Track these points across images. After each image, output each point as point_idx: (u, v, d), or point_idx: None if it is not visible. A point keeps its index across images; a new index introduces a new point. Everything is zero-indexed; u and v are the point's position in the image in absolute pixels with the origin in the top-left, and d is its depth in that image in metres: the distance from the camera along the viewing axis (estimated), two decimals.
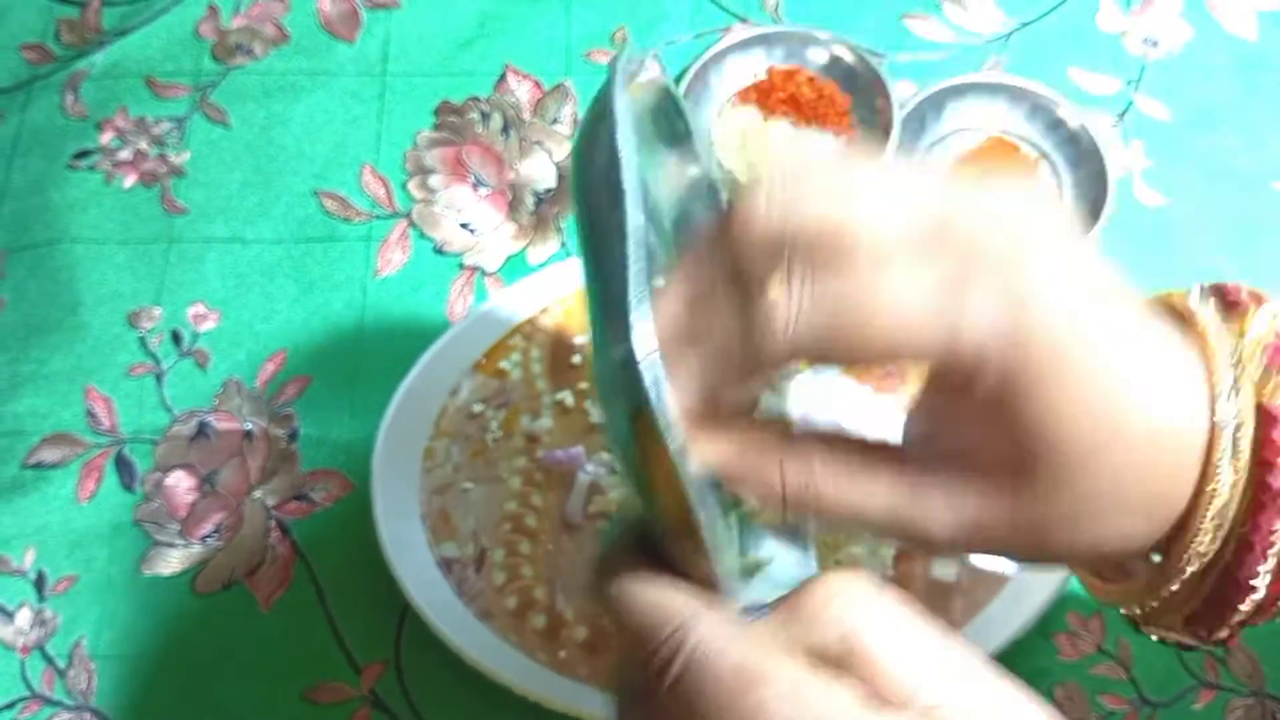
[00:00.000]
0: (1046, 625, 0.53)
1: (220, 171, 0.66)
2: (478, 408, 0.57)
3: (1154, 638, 0.35)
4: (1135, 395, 0.29)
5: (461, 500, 0.55)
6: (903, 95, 0.66)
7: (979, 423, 0.29)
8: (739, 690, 0.26)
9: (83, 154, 0.66)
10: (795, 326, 0.27)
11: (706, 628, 0.27)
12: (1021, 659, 0.53)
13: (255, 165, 0.66)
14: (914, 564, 0.54)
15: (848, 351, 0.28)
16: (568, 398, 0.58)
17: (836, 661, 0.27)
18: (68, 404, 0.59)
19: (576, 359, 0.59)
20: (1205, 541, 0.30)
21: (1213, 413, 0.29)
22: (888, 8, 0.70)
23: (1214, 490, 0.29)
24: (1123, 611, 0.36)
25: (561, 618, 0.53)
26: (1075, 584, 0.52)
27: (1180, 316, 0.32)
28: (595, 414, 0.57)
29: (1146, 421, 0.29)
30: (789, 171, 0.28)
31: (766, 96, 0.66)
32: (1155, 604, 0.33)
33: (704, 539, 0.28)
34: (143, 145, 0.66)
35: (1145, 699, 0.53)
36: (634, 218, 0.28)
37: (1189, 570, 0.31)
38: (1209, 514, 0.30)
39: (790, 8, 0.70)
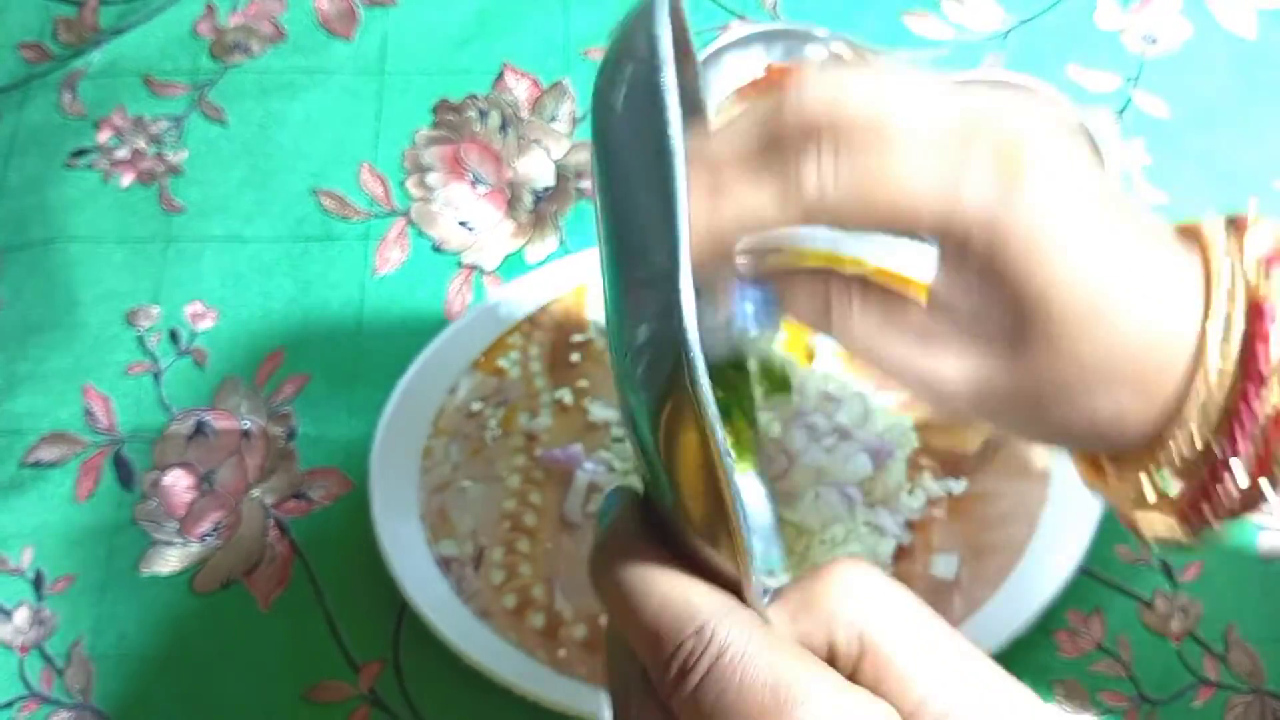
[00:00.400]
0: (1046, 623, 0.53)
1: (218, 170, 0.66)
2: (476, 406, 0.57)
3: (1148, 536, 0.36)
4: (1123, 276, 0.31)
5: (460, 499, 0.55)
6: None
7: (979, 293, 0.32)
8: (773, 708, 0.25)
9: (80, 153, 0.66)
10: (818, 190, 0.30)
11: (736, 629, 0.26)
12: (1021, 657, 0.53)
13: (253, 164, 0.66)
14: (913, 563, 0.54)
15: (860, 216, 0.31)
16: (566, 396, 0.58)
17: (850, 660, 0.26)
18: (65, 403, 0.59)
19: (575, 357, 0.59)
20: (1193, 426, 0.32)
21: (1207, 304, 0.31)
22: (887, 5, 0.70)
23: (1204, 375, 0.31)
24: (1119, 502, 0.37)
25: (560, 616, 0.53)
26: (1074, 582, 0.52)
27: (1193, 236, 0.34)
28: (594, 412, 0.57)
29: (1134, 303, 0.31)
30: (833, 67, 0.30)
31: (765, 94, 0.65)
32: (1150, 494, 0.34)
33: (740, 531, 0.26)
34: (140, 144, 0.66)
35: (1145, 696, 0.53)
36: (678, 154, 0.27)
37: (1178, 456, 0.32)
38: (1198, 400, 0.31)
39: (789, 5, 0.70)
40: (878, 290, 0.35)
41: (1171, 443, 0.32)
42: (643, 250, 0.27)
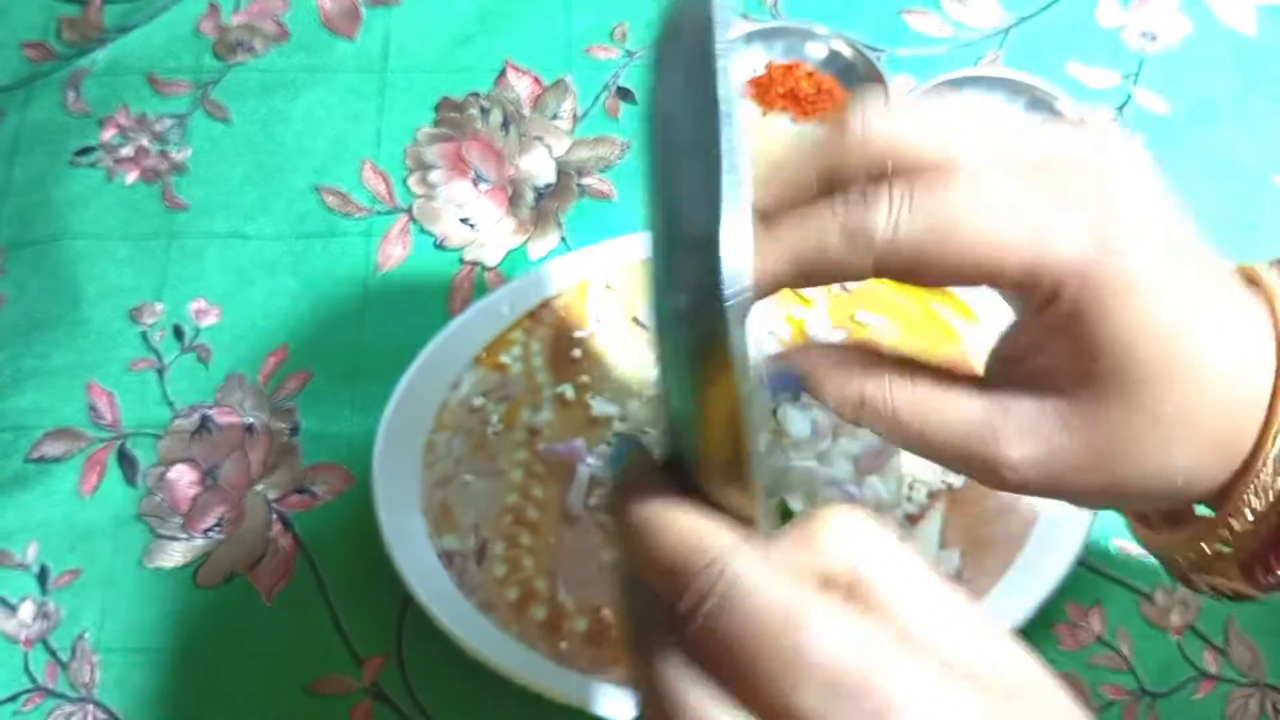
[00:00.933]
0: (1046, 616, 0.53)
1: (221, 168, 0.66)
2: (478, 401, 0.57)
3: (1204, 589, 0.36)
4: (1206, 329, 0.30)
5: (462, 493, 0.55)
6: (901, 89, 0.66)
7: (1059, 342, 0.31)
8: (780, 631, 0.25)
9: (84, 151, 0.66)
10: (892, 232, 0.29)
11: (745, 562, 0.27)
12: None
13: (256, 161, 0.66)
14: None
15: (939, 263, 0.29)
16: (568, 391, 0.58)
17: (841, 589, 0.27)
18: (70, 399, 0.60)
19: (577, 353, 0.59)
20: (1268, 479, 0.31)
21: (1278, 358, 0.31)
22: (886, 2, 0.70)
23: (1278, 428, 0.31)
24: (1178, 559, 0.36)
25: (563, 609, 0.53)
26: (1073, 575, 0.53)
27: (1250, 281, 0.33)
28: (596, 407, 0.57)
29: (1216, 356, 0.30)
30: (895, 97, 0.29)
31: (765, 91, 0.66)
32: (1211, 549, 0.34)
33: (753, 478, 0.27)
34: (144, 142, 0.67)
35: (1145, 689, 0.53)
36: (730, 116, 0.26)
37: (1250, 508, 0.32)
38: (1273, 451, 0.31)
39: (789, 2, 0.70)
40: (921, 365, 0.33)
41: (1245, 494, 0.31)
42: (686, 214, 0.26)
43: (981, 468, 0.33)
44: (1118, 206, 0.29)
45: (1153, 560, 0.55)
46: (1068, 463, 0.32)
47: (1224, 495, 0.32)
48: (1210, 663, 0.53)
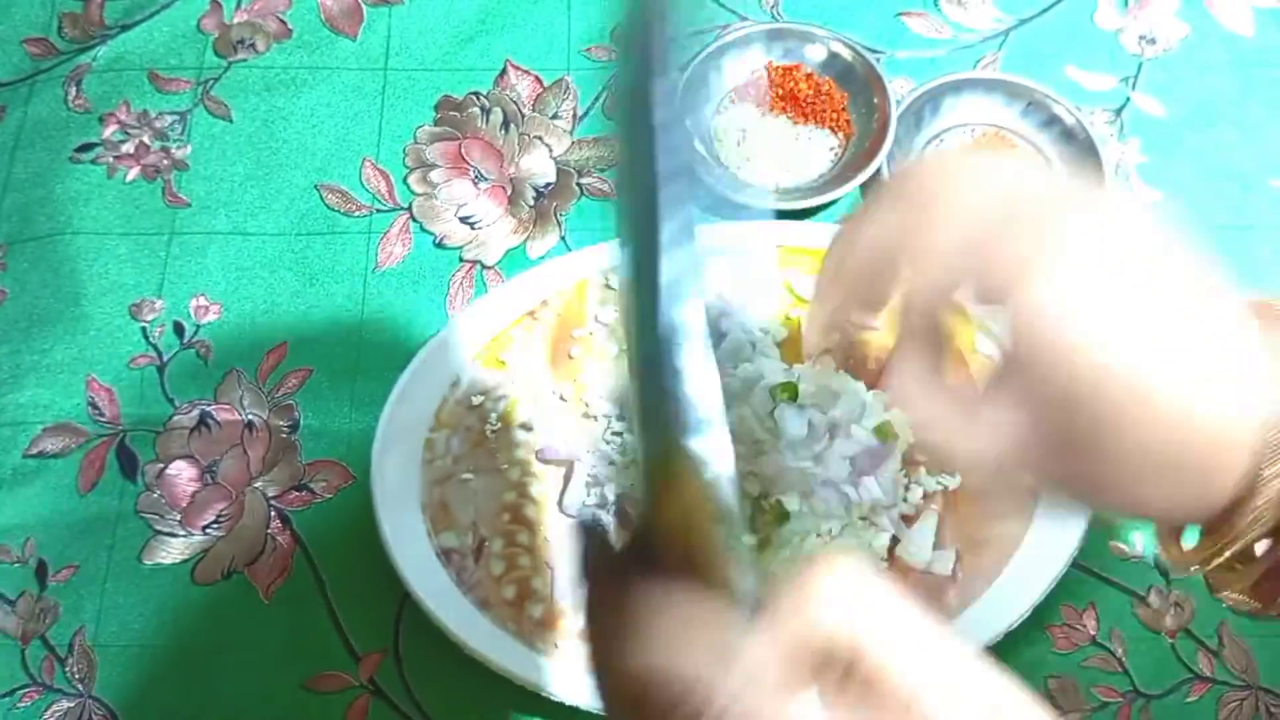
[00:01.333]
0: (1040, 617, 0.53)
1: (222, 165, 0.66)
2: (477, 399, 0.58)
3: (1226, 605, 0.37)
4: (1177, 368, 0.29)
5: (461, 491, 0.56)
6: (900, 91, 0.66)
7: (1033, 403, 0.31)
8: None
9: (85, 147, 0.67)
10: None
11: (734, 687, 0.27)
12: (1015, 651, 0.54)
13: (257, 159, 0.66)
14: (909, 558, 0.54)
15: None
16: (567, 390, 0.58)
17: (842, 664, 0.27)
18: (69, 394, 0.60)
19: (576, 351, 0.59)
20: (1265, 517, 0.31)
21: None
22: (885, 5, 0.71)
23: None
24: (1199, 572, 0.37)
25: (559, 607, 0.53)
26: (1068, 577, 0.53)
27: (1268, 315, 0.33)
28: (594, 406, 0.57)
29: (1183, 399, 0.29)
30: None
31: (765, 93, 0.66)
32: (1216, 573, 0.34)
33: (724, 564, 0.28)
34: (145, 138, 0.67)
35: (1139, 691, 0.53)
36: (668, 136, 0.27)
37: (1242, 541, 0.32)
38: (1269, 490, 0.31)
39: (789, 4, 0.70)
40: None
41: (1255, 510, 0.31)
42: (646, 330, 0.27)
43: (953, 458, 0.34)
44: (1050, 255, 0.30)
45: (1146, 562, 0.55)
46: (1057, 480, 0.32)
47: (1234, 511, 0.32)
48: (1204, 665, 0.54)
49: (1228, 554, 0.33)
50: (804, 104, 0.65)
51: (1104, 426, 0.30)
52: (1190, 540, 0.36)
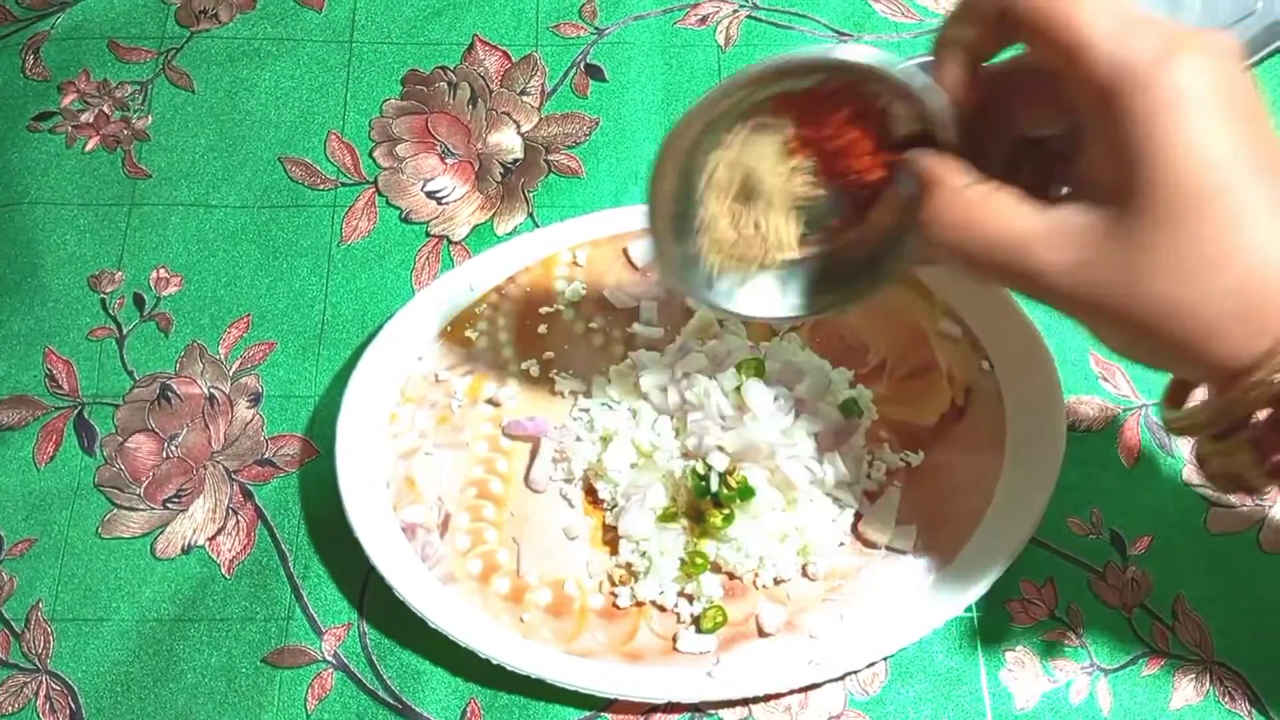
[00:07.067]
0: (1000, 592, 0.54)
1: (184, 136, 0.65)
2: (443, 375, 0.57)
3: (1209, 485, 0.40)
4: (1255, 192, 0.32)
5: (426, 465, 0.55)
6: None
7: (1110, 152, 0.34)
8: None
9: (43, 116, 0.65)
10: None
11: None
12: (974, 625, 0.54)
13: (220, 131, 0.65)
14: (870, 529, 0.55)
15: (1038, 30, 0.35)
16: (533, 367, 0.58)
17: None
18: (27, 366, 0.59)
19: (542, 329, 0.59)
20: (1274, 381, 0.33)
21: None
22: None
23: None
24: (1193, 446, 0.40)
25: (525, 581, 0.53)
26: (1027, 552, 0.54)
27: None
28: (560, 383, 0.57)
29: (1258, 220, 0.32)
30: None
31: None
32: (1225, 426, 0.36)
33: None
34: (105, 108, 0.66)
35: (1096, 665, 0.54)
36: None
37: (1271, 382, 0.33)
38: None
39: None
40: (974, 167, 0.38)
41: (1261, 373, 0.33)
42: None
43: (1023, 271, 0.36)
44: (1186, 47, 0.32)
45: (1104, 539, 0.56)
46: (1101, 276, 0.34)
47: (1254, 365, 0.34)
48: (1160, 640, 0.55)
49: (1251, 395, 0.34)
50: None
51: (1181, 218, 0.33)
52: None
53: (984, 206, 0.37)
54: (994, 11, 0.36)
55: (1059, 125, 0.39)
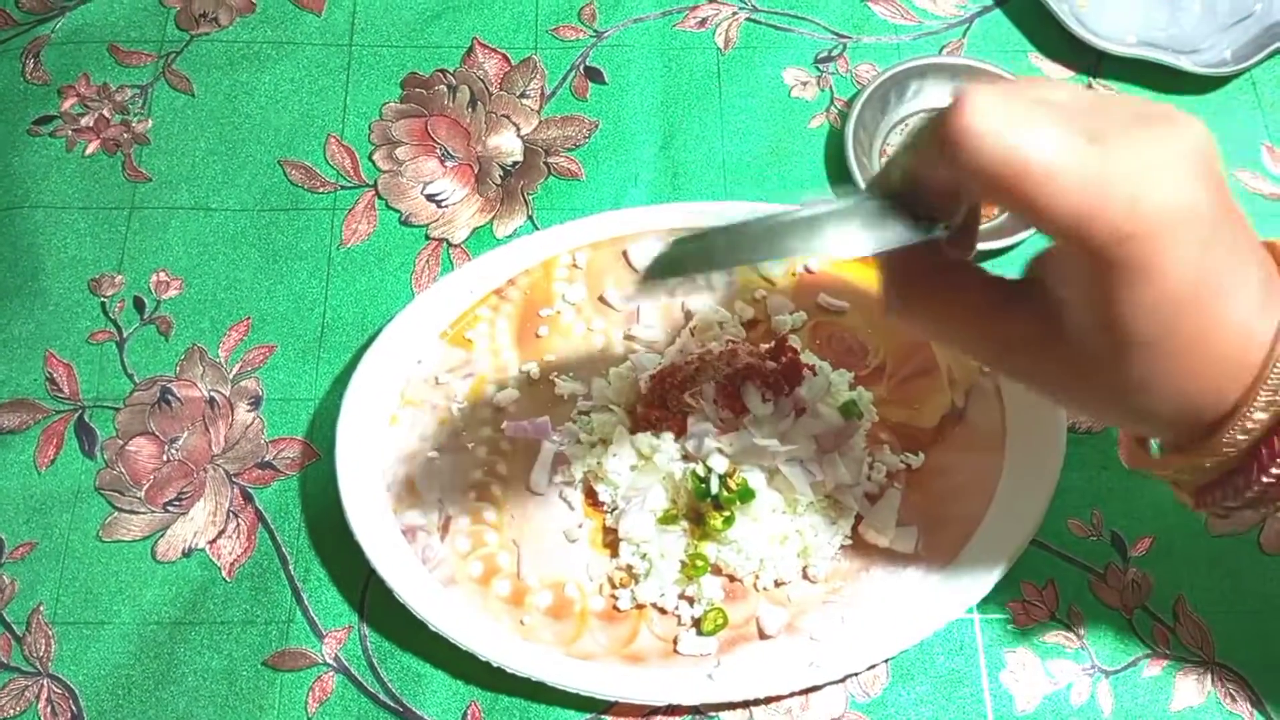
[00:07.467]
0: (1001, 594, 0.54)
1: (184, 140, 0.65)
2: (443, 378, 0.57)
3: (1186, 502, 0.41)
4: (1214, 307, 0.33)
5: (426, 468, 0.55)
6: (866, 76, 0.67)
7: (1081, 299, 0.34)
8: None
9: (44, 120, 0.65)
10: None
11: None
12: (975, 627, 0.54)
13: (220, 134, 0.65)
14: (871, 531, 0.55)
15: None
16: (534, 369, 0.58)
17: None
18: (27, 370, 0.59)
19: (543, 331, 0.59)
20: (1257, 420, 0.35)
21: None
22: None
23: (1275, 376, 0.34)
24: (1177, 480, 0.41)
25: (525, 584, 0.53)
26: (1028, 554, 0.54)
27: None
28: (561, 385, 0.57)
29: (1220, 329, 0.33)
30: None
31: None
32: (1184, 476, 0.39)
33: None
34: (105, 112, 0.66)
35: (1097, 666, 0.54)
36: None
37: (1240, 432, 0.35)
38: (1263, 398, 0.34)
39: None
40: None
41: (1241, 419, 0.35)
42: None
43: (983, 354, 0.39)
44: (1159, 189, 0.31)
45: (1105, 540, 0.56)
46: (1062, 387, 0.37)
47: (1222, 422, 0.35)
48: (1160, 641, 0.55)
49: (1215, 458, 0.36)
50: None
51: (1139, 353, 0.34)
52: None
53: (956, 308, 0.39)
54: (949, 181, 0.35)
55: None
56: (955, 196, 0.35)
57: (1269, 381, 0.34)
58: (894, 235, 0.35)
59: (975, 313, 0.38)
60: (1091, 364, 0.35)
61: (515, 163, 0.65)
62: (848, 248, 0.35)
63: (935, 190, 0.35)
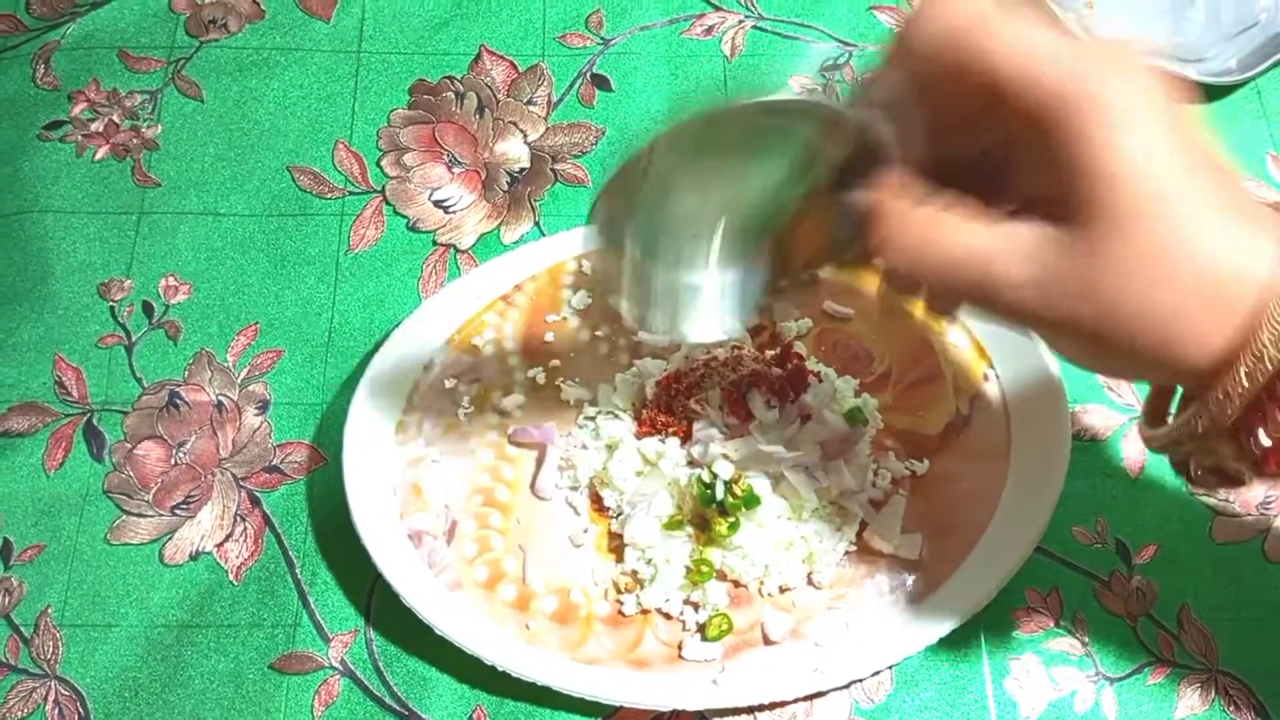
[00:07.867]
0: (1005, 600, 0.54)
1: (193, 145, 0.66)
2: (450, 383, 0.58)
3: (1193, 486, 0.39)
4: (1190, 187, 0.33)
5: (433, 473, 0.56)
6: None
7: (1053, 171, 0.34)
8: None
9: (54, 125, 0.66)
10: None
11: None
12: (980, 633, 0.54)
13: (229, 140, 0.66)
14: (875, 537, 0.55)
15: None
16: (539, 375, 0.58)
17: None
18: (36, 373, 0.59)
19: (549, 337, 0.59)
20: (1268, 348, 0.33)
21: None
22: None
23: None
24: (1171, 456, 0.40)
25: (530, 589, 0.54)
26: (1032, 561, 0.54)
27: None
28: (567, 391, 0.58)
29: (1201, 213, 0.33)
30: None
31: None
32: (1206, 424, 0.36)
33: None
34: (115, 117, 0.66)
35: (1101, 674, 0.54)
36: None
37: (1242, 383, 0.34)
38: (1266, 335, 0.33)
39: (765, 1, 0.71)
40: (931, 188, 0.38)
41: (1239, 367, 0.33)
42: None
43: (982, 289, 0.36)
44: (1136, 77, 0.33)
45: (1109, 548, 0.56)
46: (1060, 289, 0.35)
47: (1218, 373, 0.34)
48: (1165, 649, 0.55)
49: (1228, 386, 0.34)
50: None
51: (1130, 221, 0.33)
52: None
53: (935, 227, 0.37)
54: (906, 75, 0.37)
55: (987, 143, 0.39)
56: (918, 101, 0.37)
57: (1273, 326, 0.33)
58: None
59: (963, 233, 0.37)
60: (1070, 266, 0.34)
61: (522, 169, 0.65)
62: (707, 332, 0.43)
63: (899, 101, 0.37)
